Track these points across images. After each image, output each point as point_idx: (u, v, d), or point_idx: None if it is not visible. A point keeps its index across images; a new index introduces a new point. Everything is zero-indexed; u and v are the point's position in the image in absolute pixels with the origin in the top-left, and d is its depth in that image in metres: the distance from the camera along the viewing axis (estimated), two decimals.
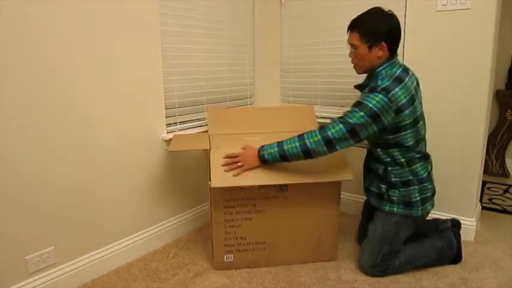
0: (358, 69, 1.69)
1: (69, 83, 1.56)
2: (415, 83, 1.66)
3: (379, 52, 1.57)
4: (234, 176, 1.50)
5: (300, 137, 1.48)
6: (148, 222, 2.00)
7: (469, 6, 1.87)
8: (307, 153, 1.49)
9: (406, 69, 1.64)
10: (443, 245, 1.79)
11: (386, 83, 1.52)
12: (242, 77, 2.57)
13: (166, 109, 2.01)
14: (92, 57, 1.62)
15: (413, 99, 1.57)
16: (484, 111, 1.94)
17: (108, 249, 1.81)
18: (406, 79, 1.57)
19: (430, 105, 2.07)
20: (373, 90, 1.51)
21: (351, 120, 1.47)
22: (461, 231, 2.06)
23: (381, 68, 1.60)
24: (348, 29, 1.64)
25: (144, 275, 1.79)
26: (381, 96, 1.47)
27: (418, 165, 1.66)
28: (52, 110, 1.52)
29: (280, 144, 1.51)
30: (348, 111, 1.54)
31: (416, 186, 1.65)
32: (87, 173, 1.68)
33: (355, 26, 1.60)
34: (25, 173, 1.47)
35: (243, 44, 2.53)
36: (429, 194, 1.69)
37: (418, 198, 1.65)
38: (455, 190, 2.08)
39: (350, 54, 1.67)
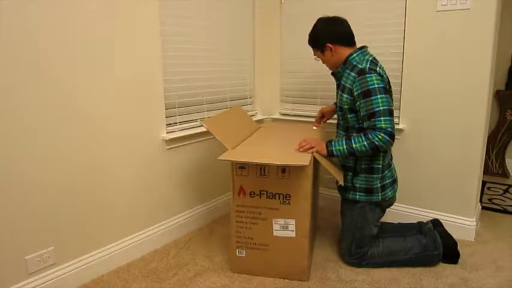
0: (331, 68, 1.88)
1: (68, 83, 1.56)
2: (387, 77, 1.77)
3: (330, 52, 1.79)
4: (309, 152, 1.68)
5: (366, 135, 1.64)
6: (148, 222, 2.00)
7: (469, 6, 1.87)
8: (376, 150, 1.65)
9: (374, 61, 1.74)
10: (427, 242, 1.83)
11: (369, 65, 1.67)
12: (242, 77, 2.57)
13: (166, 109, 2.01)
14: (92, 57, 1.62)
15: (387, 88, 1.68)
16: (484, 111, 1.94)
17: (108, 249, 1.81)
18: (377, 69, 1.70)
19: (429, 104, 2.08)
20: (362, 73, 1.65)
21: (382, 108, 1.61)
22: (461, 231, 2.08)
23: (354, 55, 1.75)
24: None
25: (144, 275, 1.79)
26: (373, 75, 1.64)
27: (381, 153, 1.76)
28: (52, 111, 1.52)
29: (347, 142, 1.67)
30: (366, 103, 1.62)
31: (379, 175, 1.77)
32: (87, 172, 1.68)
33: (308, 42, 1.87)
34: (25, 173, 1.47)
35: (243, 44, 2.53)
36: (388, 181, 1.81)
37: (379, 185, 1.78)
38: (455, 190, 2.08)
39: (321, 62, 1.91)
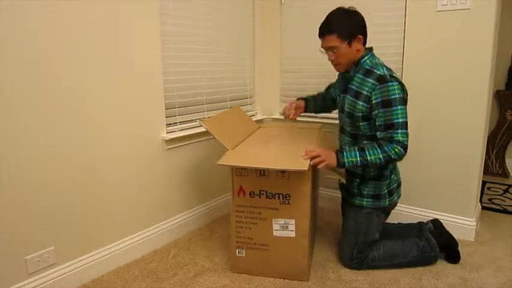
0: (342, 68, 1.74)
1: (69, 83, 1.56)
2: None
3: (358, 45, 1.66)
4: (319, 167, 1.62)
5: (381, 147, 1.59)
6: (148, 222, 2.00)
7: (469, 6, 1.87)
8: (390, 162, 1.62)
9: (386, 66, 1.70)
10: (424, 244, 1.82)
11: (388, 72, 1.62)
12: (242, 77, 2.57)
13: (166, 109, 2.01)
14: (92, 57, 1.62)
15: (405, 98, 1.65)
16: (484, 111, 1.94)
17: (108, 249, 1.81)
18: (396, 75, 1.66)
19: (429, 105, 2.08)
20: (383, 81, 1.59)
21: (401, 120, 1.57)
22: (461, 231, 2.07)
23: (366, 57, 1.68)
24: (322, 35, 1.69)
25: (144, 275, 1.79)
26: (395, 83, 1.58)
27: None
28: (52, 110, 1.52)
29: (361, 154, 1.61)
30: (386, 113, 1.58)
31: (386, 181, 1.76)
32: (87, 172, 1.68)
33: (329, 29, 1.65)
34: (25, 173, 1.47)
35: (243, 44, 2.53)
36: (394, 186, 1.81)
37: (386, 191, 1.76)
38: (455, 190, 2.08)
39: (330, 58, 1.71)
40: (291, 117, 1.93)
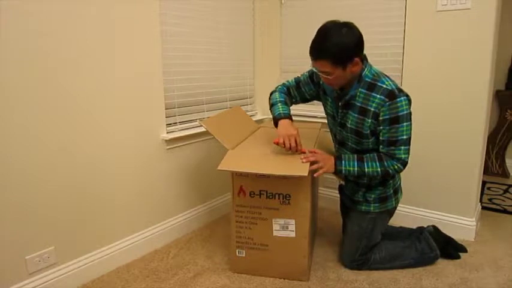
0: (336, 87, 1.64)
1: (69, 83, 1.56)
2: None
3: (354, 67, 1.52)
4: (315, 176, 1.63)
5: (381, 161, 1.60)
6: (148, 222, 2.00)
7: (469, 6, 1.87)
8: (387, 176, 1.65)
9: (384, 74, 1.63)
10: (423, 246, 1.82)
11: (395, 84, 1.56)
12: (242, 77, 2.57)
13: (166, 109, 2.01)
14: (92, 57, 1.62)
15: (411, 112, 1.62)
16: (484, 111, 1.94)
17: (108, 249, 1.81)
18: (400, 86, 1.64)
19: (429, 105, 2.08)
20: (393, 96, 1.52)
21: (405, 137, 1.57)
22: (461, 231, 2.08)
23: (366, 70, 1.57)
24: (314, 57, 1.52)
25: (144, 275, 1.79)
26: (403, 98, 1.53)
27: None
28: (52, 110, 1.52)
29: (360, 164, 1.62)
30: (391, 130, 1.55)
31: (391, 181, 1.75)
32: (87, 173, 1.68)
33: (321, 54, 1.48)
34: (25, 173, 1.47)
35: (243, 44, 2.53)
36: (399, 183, 1.81)
37: (392, 191, 1.76)
38: (455, 190, 2.08)
39: (323, 79, 1.59)
40: (298, 151, 1.66)
